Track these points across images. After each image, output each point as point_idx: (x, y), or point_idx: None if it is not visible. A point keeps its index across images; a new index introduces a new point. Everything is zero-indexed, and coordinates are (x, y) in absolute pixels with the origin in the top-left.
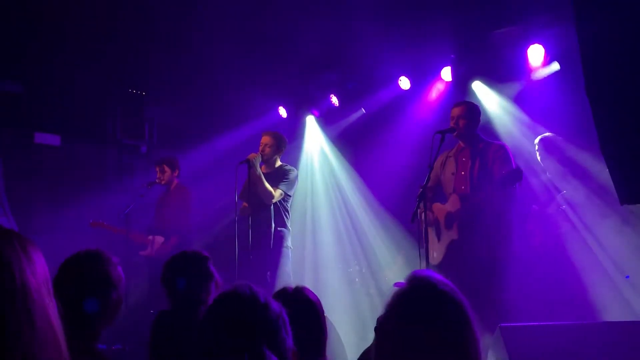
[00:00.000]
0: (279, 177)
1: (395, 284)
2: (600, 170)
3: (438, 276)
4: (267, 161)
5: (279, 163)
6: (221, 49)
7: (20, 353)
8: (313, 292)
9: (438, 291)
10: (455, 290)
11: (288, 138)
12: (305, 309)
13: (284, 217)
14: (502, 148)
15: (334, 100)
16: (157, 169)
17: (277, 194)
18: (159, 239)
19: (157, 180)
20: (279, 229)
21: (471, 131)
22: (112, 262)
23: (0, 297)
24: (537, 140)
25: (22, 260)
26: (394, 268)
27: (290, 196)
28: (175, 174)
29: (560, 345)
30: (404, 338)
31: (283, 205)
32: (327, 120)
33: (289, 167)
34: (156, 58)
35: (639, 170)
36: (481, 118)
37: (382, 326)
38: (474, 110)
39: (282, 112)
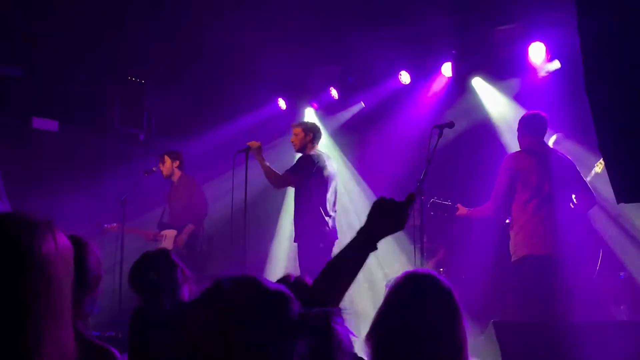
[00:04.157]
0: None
1: (387, 285)
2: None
3: (430, 272)
4: (299, 152)
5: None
6: (221, 39)
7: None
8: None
9: (427, 286)
10: (446, 285)
11: (286, 130)
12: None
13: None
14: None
15: (334, 93)
16: (159, 161)
17: (282, 178)
18: (171, 233)
19: (154, 169)
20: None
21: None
22: (89, 244)
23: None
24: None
25: (53, 252)
26: (391, 264)
27: (297, 178)
28: (176, 164)
29: (552, 343)
30: (398, 329)
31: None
32: (326, 112)
33: (305, 154)
34: (156, 46)
35: (635, 169)
36: (529, 126)
37: (377, 324)
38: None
39: (282, 103)
